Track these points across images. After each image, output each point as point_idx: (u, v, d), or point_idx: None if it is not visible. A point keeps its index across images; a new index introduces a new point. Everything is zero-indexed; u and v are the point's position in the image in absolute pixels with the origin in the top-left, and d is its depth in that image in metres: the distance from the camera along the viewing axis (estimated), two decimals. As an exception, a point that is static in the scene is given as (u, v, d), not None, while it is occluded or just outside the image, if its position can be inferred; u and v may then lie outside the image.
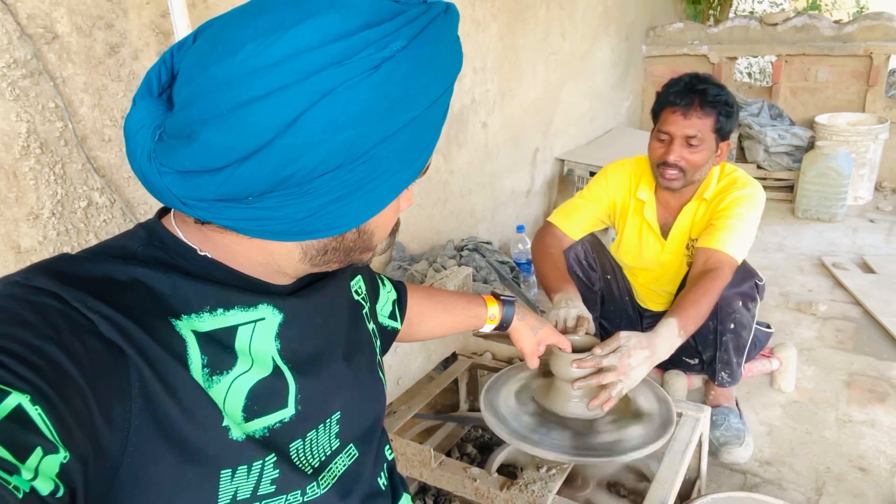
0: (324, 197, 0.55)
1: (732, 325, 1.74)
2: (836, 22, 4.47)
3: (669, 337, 1.40)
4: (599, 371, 1.32)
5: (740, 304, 1.72)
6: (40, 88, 1.28)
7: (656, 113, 1.74)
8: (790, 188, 4.22)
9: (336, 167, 0.53)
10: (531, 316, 1.27)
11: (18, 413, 0.43)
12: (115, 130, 1.42)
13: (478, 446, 1.81)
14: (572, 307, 1.50)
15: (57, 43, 1.30)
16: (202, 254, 0.62)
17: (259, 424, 0.62)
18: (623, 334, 1.36)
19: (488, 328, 1.20)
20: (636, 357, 1.32)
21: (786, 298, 2.87)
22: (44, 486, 0.43)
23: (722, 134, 1.67)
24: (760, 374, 2.13)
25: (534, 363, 1.29)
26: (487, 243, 2.71)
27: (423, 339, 1.19)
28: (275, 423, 0.63)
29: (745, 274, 1.72)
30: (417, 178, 0.62)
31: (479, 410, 1.47)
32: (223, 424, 0.57)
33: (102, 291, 0.53)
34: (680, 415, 1.50)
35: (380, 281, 0.99)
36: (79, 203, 1.38)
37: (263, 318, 0.64)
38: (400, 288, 1.06)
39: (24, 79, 1.25)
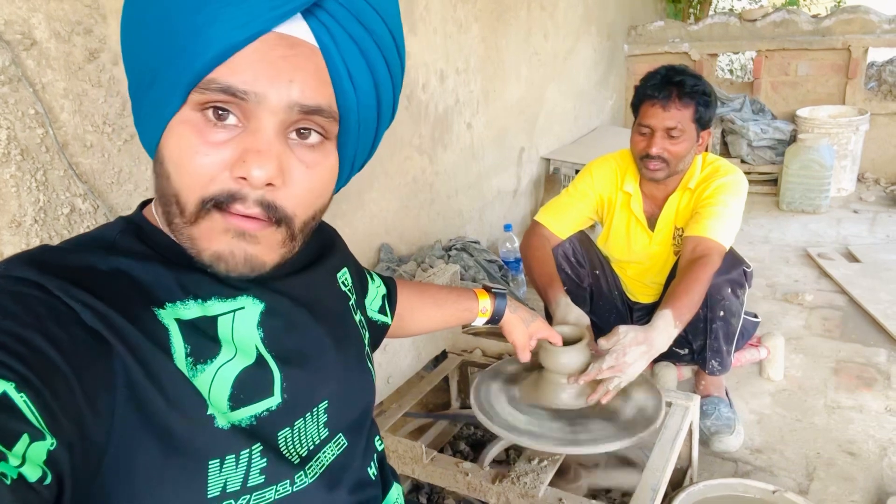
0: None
1: (722, 313, 1.75)
2: (814, 16, 4.52)
3: (666, 328, 1.41)
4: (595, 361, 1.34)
5: (729, 291, 1.73)
6: (20, 95, 1.27)
7: (636, 107, 1.76)
8: (774, 181, 4.26)
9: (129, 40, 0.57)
10: (522, 309, 1.27)
11: (3, 400, 0.43)
12: (97, 136, 1.42)
13: (470, 443, 1.81)
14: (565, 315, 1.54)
15: (35, 49, 1.29)
16: (174, 226, 0.62)
17: (245, 413, 0.61)
18: (622, 329, 1.37)
19: (480, 321, 1.19)
20: (632, 354, 1.33)
21: (772, 289, 2.89)
22: (31, 473, 0.43)
23: (702, 123, 1.69)
24: (749, 363, 2.15)
25: (525, 356, 1.29)
26: (475, 243, 2.72)
27: (414, 334, 1.19)
28: (261, 412, 0.63)
29: (732, 261, 1.74)
30: (197, 95, 0.54)
31: (470, 408, 1.48)
32: (208, 413, 0.57)
33: (84, 280, 0.54)
34: (669, 404, 1.51)
35: (368, 276, 1.00)
36: (62, 210, 1.37)
37: (243, 308, 0.64)
38: (389, 283, 1.06)
39: (2, 85, 1.24)
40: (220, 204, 0.55)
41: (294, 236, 0.61)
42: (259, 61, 0.53)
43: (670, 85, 1.65)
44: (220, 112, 0.54)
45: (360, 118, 0.62)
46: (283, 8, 0.52)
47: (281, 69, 0.54)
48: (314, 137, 0.59)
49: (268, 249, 0.59)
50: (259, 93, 0.53)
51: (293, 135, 0.57)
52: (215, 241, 0.57)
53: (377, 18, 0.58)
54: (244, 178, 0.54)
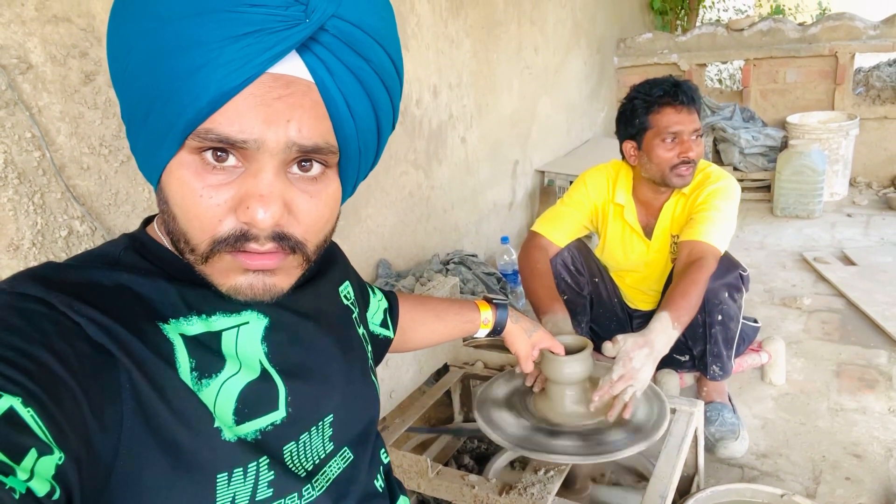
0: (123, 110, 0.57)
1: (720, 317, 1.75)
2: (800, 24, 4.58)
3: (664, 330, 1.41)
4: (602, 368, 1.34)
5: (726, 294, 1.74)
6: (16, 119, 1.28)
7: (644, 120, 1.73)
8: (767, 188, 4.28)
9: (116, 70, 0.56)
10: (524, 319, 1.26)
11: (10, 415, 0.43)
12: (94, 158, 1.42)
13: (475, 457, 1.80)
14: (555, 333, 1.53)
15: (31, 73, 1.29)
16: (185, 260, 0.62)
17: (250, 427, 0.61)
18: (620, 337, 1.37)
19: (482, 333, 1.19)
20: (638, 358, 1.33)
21: (770, 294, 2.89)
22: (40, 488, 0.42)
23: None
24: (750, 368, 2.14)
25: (528, 367, 1.28)
26: (473, 256, 2.72)
27: (417, 348, 1.18)
28: (266, 426, 0.62)
29: (729, 265, 1.74)
30: (193, 137, 0.53)
31: (473, 421, 1.47)
32: (214, 426, 0.57)
33: (89, 296, 0.54)
34: (673, 410, 1.50)
35: (370, 290, 0.99)
36: (59, 232, 1.37)
37: (247, 322, 0.64)
38: (391, 297, 1.06)
39: (-1, 110, 1.24)
40: (232, 245, 0.55)
41: (309, 259, 0.61)
42: (256, 106, 0.51)
43: (683, 91, 1.68)
44: (218, 153, 0.53)
45: (360, 143, 0.61)
46: (279, 48, 0.50)
47: (278, 111, 0.52)
48: (315, 169, 0.58)
49: (285, 276, 0.60)
50: (258, 139, 0.52)
51: (294, 168, 0.56)
52: (232, 278, 0.57)
53: (375, 46, 0.56)
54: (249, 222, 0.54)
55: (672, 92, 1.68)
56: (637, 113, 1.74)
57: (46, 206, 1.34)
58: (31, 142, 1.30)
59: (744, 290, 1.81)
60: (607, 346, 1.36)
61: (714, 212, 1.68)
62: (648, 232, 1.89)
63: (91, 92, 1.41)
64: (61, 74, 1.35)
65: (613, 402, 1.32)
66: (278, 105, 0.52)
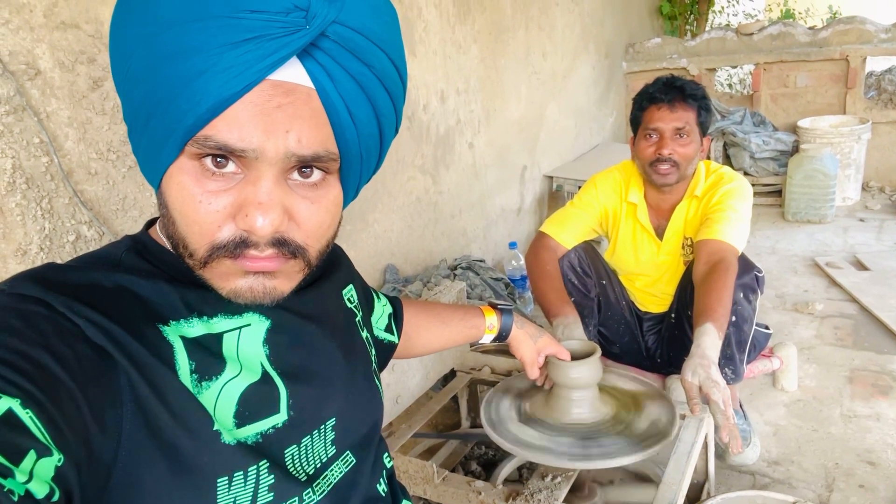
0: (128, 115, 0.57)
1: (734, 318, 1.72)
2: (810, 28, 4.55)
3: (714, 344, 1.40)
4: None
5: (741, 295, 1.71)
6: (24, 124, 1.28)
7: (638, 115, 1.79)
8: (778, 193, 4.25)
9: (119, 74, 0.56)
10: (529, 325, 1.26)
11: (9, 417, 0.43)
12: (101, 163, 1.43)
13: (482, 463, 1.79)
14: (567, 337, 1.52)
15: (40, 79, 1.30)
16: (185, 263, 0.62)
17: (251, 430, 0.61)
18: (688, 371, 1.34)
19: (487, 339, 1.18)
20: (713, 373, 1.32)
21: (782, 300, 2.87)
22: (39, 489, 0.42)
23: (703, 128, 1.74)
24: (762, 374, 2.12)
25: (534, 373, 1.28)
26: (481, 261, 2.71)
27: (422, 354, 1.18)
28: (268, 429, 0.62)
29: (744, 266, 1.72)
30: (192, 143, 0.53)
31: (481, 427, 1.46)
32: (214, 429, 0.57)
33: (89, 297, 0.53)
34: (683, 416, 1.48)
35: (374, 295, 0.99)
36: (67, 237, 1.38)
37: (249, 325, 0.64)
38: (395, 303, 1.05)
39: (7, 115, 1.25)
40: (232, 252, 0.55)
41: (310, 264, 0.61)
42: (255, 115, 0.51)
43: (674, 88, 1.70)
44: (218, 160, 0.53)
45: (362, 149, 0.61)
46: (279, 54, 0.50)
47: (277, 120, 0.52)
48: (316, 175, 0.57)
49: (286, 279, 0.60)
50: (257, 148, 0.52)
51: (295, 175, 0.56)
52: (232, 281, 0.57)
53: (377, 51, 0.56)
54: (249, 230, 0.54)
55: (660, 90, 1.72)
56: (634, 109, 1.81)
57: (54, 211, 1.35)
58: (40, 147, 1.31)
59: (759, 291, 1.78)
60: (676, 385, 1.33)
61: (730, 211, 1.67)
62: (660, 233, 1.88)
63: (99, 98, 1.42)
64: (69, 80, 1.36)
65: (724, 424, 1.26)
66: (278, 115, 0.52)
